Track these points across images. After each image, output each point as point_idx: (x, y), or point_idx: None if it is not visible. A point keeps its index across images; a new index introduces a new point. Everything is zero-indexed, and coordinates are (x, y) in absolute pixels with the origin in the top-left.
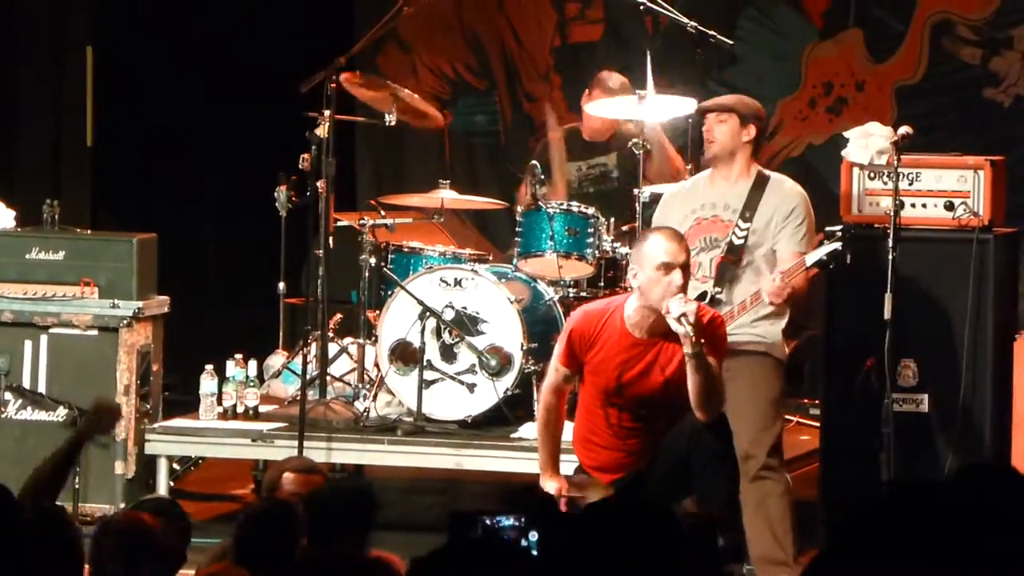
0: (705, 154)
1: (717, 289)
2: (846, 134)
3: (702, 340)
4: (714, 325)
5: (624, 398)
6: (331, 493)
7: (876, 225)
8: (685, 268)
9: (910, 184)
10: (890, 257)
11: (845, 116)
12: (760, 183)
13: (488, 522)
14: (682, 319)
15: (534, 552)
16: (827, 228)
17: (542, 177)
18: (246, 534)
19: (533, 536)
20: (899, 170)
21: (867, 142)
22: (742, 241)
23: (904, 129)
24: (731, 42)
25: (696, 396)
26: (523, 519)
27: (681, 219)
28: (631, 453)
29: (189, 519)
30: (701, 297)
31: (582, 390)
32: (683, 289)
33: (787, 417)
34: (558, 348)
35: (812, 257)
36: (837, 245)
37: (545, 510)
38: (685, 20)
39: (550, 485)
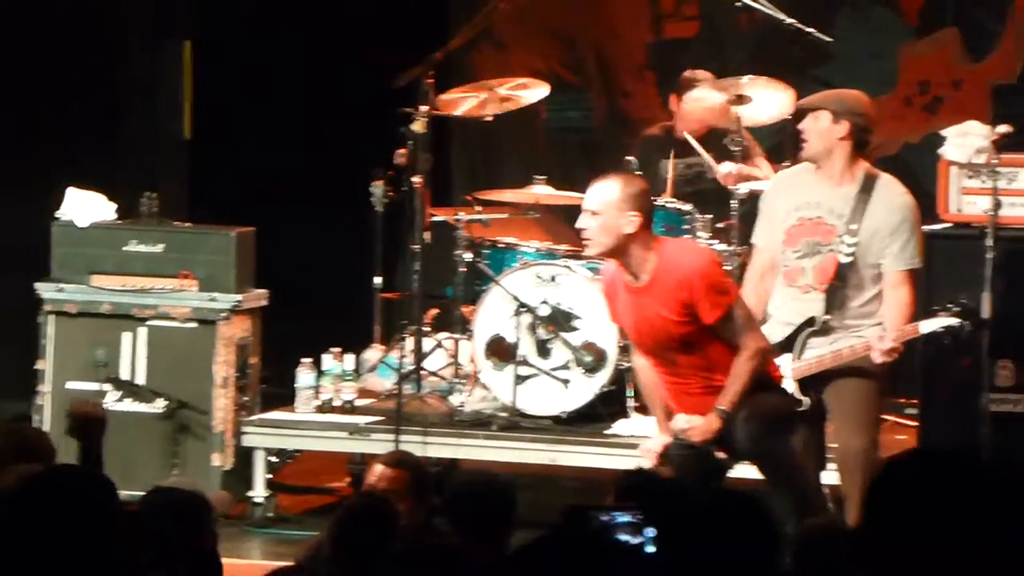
0: (802, 153)
1: (827, 316)
2: (943, 132)
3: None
4: (701, 280)
5: (646, 345)
6: (471, 489)
7: (973, 224)
8: (594, 214)
9: (1008, 183)
10: (988, 257)
11: (941, 115)
12: (867, 187)
13: (604, 517)
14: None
15: (649, 549)
16: (924, 227)
17: (639, 174)
18: (341, 530)
19: (650, 532)
20: (997, 169)
21: (965, 141)
22: (850, 259)
23: (1004, 127)
24: (829, 39)
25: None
26: (639, 515)
27: (784, 214)
28: (692, 393)
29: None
30: (810, 323)
31: None
32: (582, 230)
33: (883, 416)
34: (608, 312)
35: (927, 326)
36: (955, 321)
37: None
38: (783, 17)
39: (655, 441)
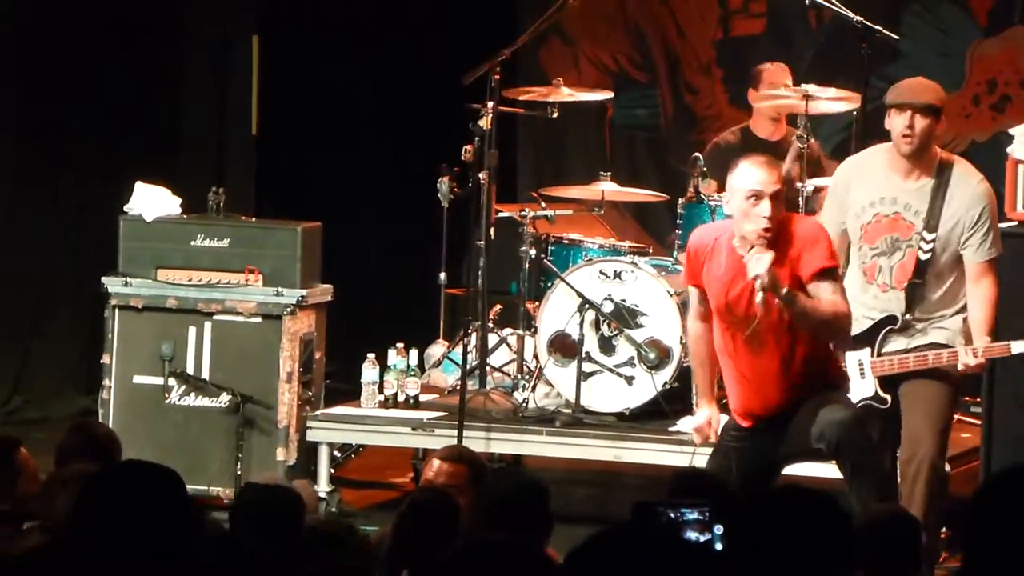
0: (900, 148)
1: (908, 316)
2: (1011, 131)
3: (776, 298)
4: (808, 235)
5: (733, 316)
6: (505, 486)
7: None
8: (776, 197)
9: None
10: None
11: (1009, 113)
12: (943, 177)
13: (672, 514)
14: (758, 280)
15: (718, 546)
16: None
17: (704, 170)
18: (405, 524)
19: (718, 529)
20: None
21: None
22: (929, 255)
23: None
24: (897, 37)
25: (808, 331)
26: (708, 511)
27: (860, 209)
28: (757, 391)
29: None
30: (890, 321)
31: (713, 322)
32: (771, 220)
33: (955, 417)
34: (685, 271)
35: (1019, 347)
36: None
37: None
38: (851, 15)
39: (701, 414)
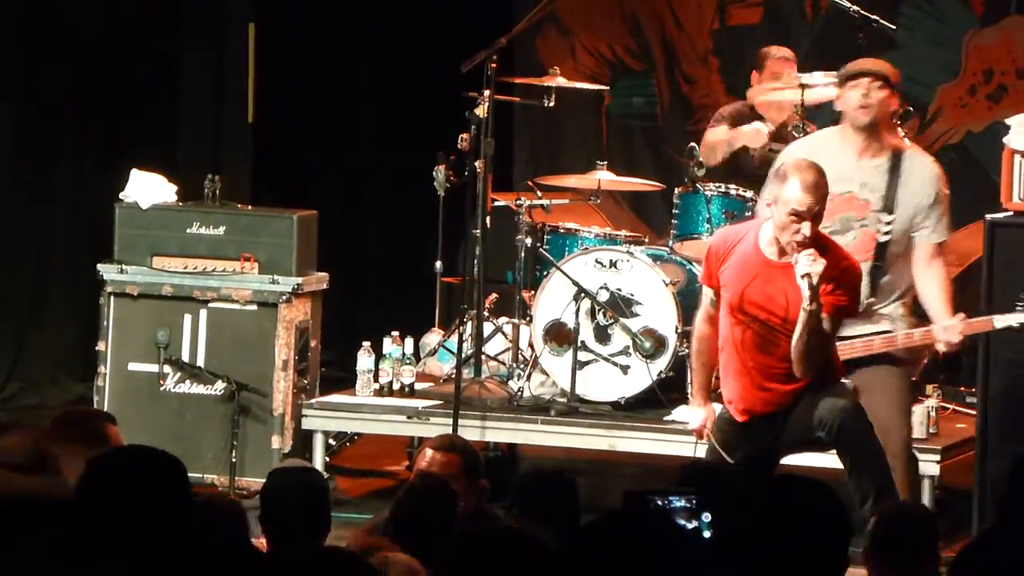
0: (857, 121)
1: (873, 299)
2: (1008, 121)
3: (821, 300)
4: (847, 275)
5: (747, 314)
6: (535, 481)
7: None
8: (817, 217)
9: None
10: None
11: (1005, 103)
12: (896, 159)
13: (660, 502)
14: (805, 279)
15: (706, 533)
16: (988, 216)
17: (700, 160)
18: (403, 510)
19: (706, 517)
20: None
21: None
22: (888, 237)
23: None
24: (894, 26)
25: (797, 349)
26: (695, 499)
27: None
28: (759, 387)
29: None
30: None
31: (721, 314)
32: (810, 240)
33: (943, 405)
34: (702, 272)
35: (1002, 321)
36: None
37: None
38: (848, 4)
39: (697, 413)
